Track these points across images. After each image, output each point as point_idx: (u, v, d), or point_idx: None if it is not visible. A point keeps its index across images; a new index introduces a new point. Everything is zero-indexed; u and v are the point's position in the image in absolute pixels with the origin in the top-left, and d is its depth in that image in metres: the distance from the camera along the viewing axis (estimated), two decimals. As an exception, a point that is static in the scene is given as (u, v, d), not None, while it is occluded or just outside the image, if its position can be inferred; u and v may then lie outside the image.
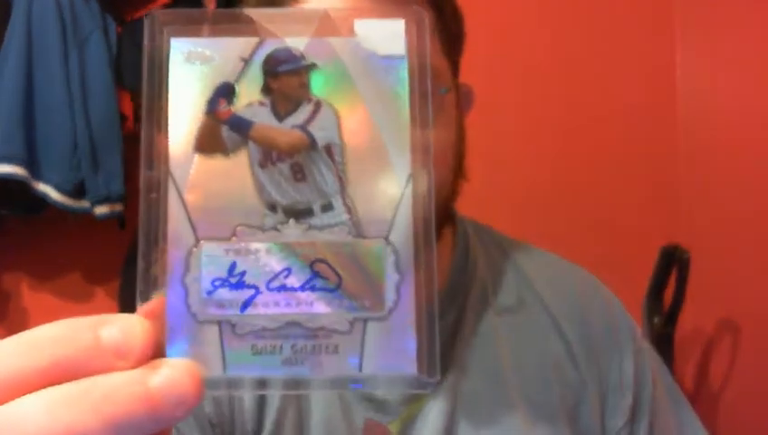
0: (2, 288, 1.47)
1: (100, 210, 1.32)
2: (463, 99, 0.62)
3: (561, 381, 0.61)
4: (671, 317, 1.31)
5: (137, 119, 1.41)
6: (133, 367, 0.22)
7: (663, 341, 1.31)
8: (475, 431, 0.58)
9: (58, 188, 1.30)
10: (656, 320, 1.34)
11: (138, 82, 1.40)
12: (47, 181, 1.30)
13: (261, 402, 0.56)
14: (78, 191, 1.32)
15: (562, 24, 1.54)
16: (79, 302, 1.48)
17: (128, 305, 1.47)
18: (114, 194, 1.32)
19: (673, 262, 1.31)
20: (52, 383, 0.22)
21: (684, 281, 1.28)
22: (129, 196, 1.36)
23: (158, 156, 0.25)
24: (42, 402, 0.21)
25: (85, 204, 1.33)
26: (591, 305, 0.65)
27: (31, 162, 1.28)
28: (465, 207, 0.65)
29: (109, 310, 1.43)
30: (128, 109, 1.38)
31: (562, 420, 0.59)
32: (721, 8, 1.42)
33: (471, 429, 0.58)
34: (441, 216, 0.58)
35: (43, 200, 1.30)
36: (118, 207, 1.34)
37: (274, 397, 0.56)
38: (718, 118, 1.44)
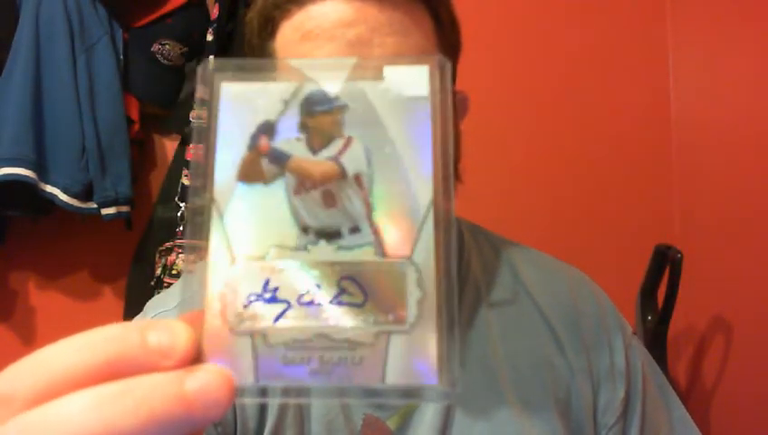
0: (10, 288, 1.47)
1: (107, 211, 1.33)
2: (459, 105, 0.64)
3: (552, 374, 0.62)
4: (664, 316, 1.32)
5: (143, 123, 1.43)
6: (176, 367, 0.24)
7: (656, 339, 1.32)
8: (470, 425, 0.58)
9: (66, 190, 1.31)
10: (649, 318, 1.35)
11: (143, 89, 1.43)
12: (55, 184, 1.30)
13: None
14: (86, 193, 1.33)
15: (558, 30, 1.56)
16: (86, 301, 1.49)
17: (134, 304, 1.48)
18: (122, 196, 1.34)
19: (666, 261, 1.32)
20: (98, 382, 0.23)
21: (676, 280, 1.29)
22: (135, 198, 1.38)
23: (205, 183, 0.27)
24: (85, 401, 0.23)
25: (92, 205, 1.34)
26: (582, 303, 0.66)
27: (39, 165, 1.29)
28: (460, 208, 0.66)
29: (115, 309, 1.45)
30: (134, 113, 1.39)
31: (555, 414, 0.60)
32: (713, 12, 1.43)
33: (466, 422, 0.59)
34: None
35: (51, 202, 1.31)
36: (125, 209, 1.35)
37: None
38: (711, 119, 1.45)
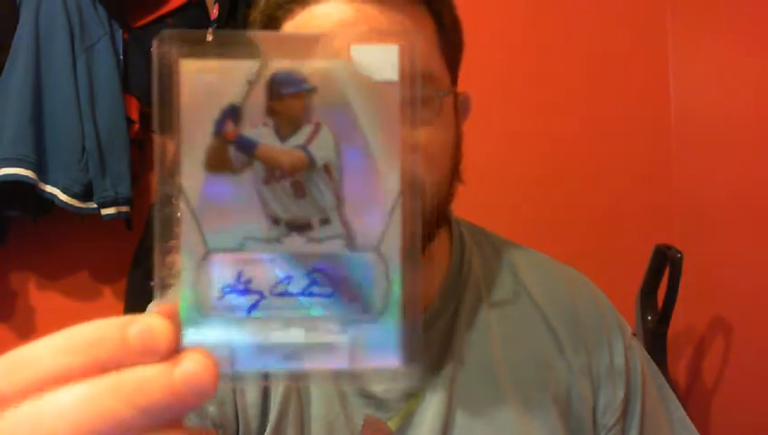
0: (10, 288, 1.48)
1: (107, 211, 1.34)
2: (461, 106, 0.63)
3: (552, 375, 0.62)
4: (664, 316, 1.32)
5: (143, 123, 1.43)
6: (159, 362, 0.24)
7: (656, 339, 1.32)
8: (470, 425, 0.59)
9: (66, 190, 1.32)
10: (649, 318, 1.35)
11: (143, 89, 1.43)
12: (55, 184, 1.31)
13: (263, 402, 0.57)
14: (85, 193, 1.34)
15: (559, 30, 1.56)
16: (86, 301, 1.50)
17: (134, 304, 1.48)
18: (121, 196, 1.34)
19: (666, 261, 1.32)
20: (86, 378, 0.24)
21: (676, 280, 1.29)
22: (135, 198, 1.38)
23: (172, 173, 0.27)
24: (78, 393, 0.23)
25: (92, 206, 1.34)
26: (581, 303, 0.66)
27: (40, 165, 1.30)
28: (462, 208, 0.66)
29: (115, 309, 1.45)
30: (134, 114, 1.40)
31: (555, 414, 0.60)
32: (713, 12, 1.44)
33: (467, 423, 0.59)
34: (437, 217, 0.59)
35: (51, 202, 1.32)
36: (124, 209, 1.36)
37: (276, 397, 0.57)
38: (711, 119, 1.45)
